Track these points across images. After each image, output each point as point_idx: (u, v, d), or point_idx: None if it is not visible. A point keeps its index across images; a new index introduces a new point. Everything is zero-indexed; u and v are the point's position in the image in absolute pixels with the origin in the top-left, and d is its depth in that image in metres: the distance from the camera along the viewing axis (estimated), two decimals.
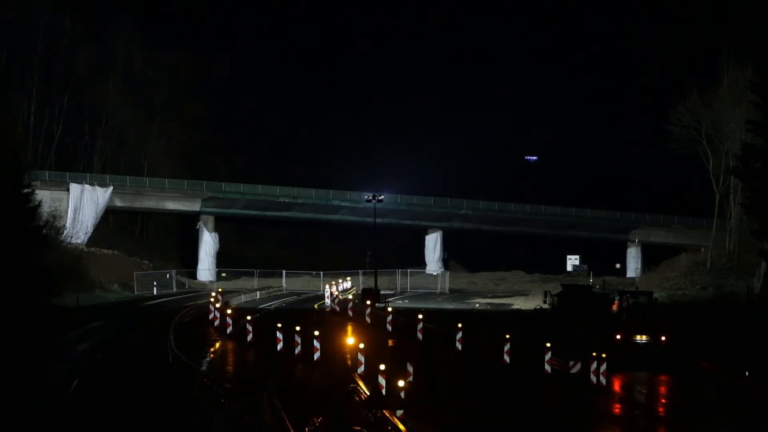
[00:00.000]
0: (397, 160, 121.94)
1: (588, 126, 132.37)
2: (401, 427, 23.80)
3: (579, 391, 32.27)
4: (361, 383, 30.02)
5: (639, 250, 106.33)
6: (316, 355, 36.67)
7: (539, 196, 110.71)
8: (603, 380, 33.00)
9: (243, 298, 72.77)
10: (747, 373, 34.21)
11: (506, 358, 37.48)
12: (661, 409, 31.66)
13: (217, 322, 49.02)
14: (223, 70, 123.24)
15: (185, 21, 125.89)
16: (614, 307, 45.53)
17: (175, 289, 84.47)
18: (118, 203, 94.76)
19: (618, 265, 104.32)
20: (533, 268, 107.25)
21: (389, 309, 52.13)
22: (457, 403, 29.78)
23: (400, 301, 75.77)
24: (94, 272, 76.89)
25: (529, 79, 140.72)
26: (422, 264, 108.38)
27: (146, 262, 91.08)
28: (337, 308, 61.24)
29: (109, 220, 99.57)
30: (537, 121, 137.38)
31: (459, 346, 41.27)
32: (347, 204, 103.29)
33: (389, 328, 48.21)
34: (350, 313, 57.21)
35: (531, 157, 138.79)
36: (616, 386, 34.10)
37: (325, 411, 25.93)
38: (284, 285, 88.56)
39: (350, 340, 39.83)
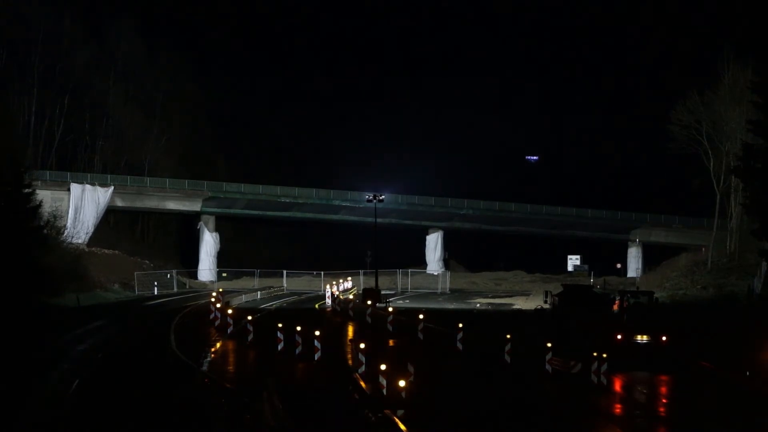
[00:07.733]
0: (398, 159, 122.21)
1: (588, 126, 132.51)
2: (402, 427, 23.79)
3: (579, 391, 32.26)
4: (362, 383, 30.01)
5: (640, 250, 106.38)
6: (317, 355, 36.64)
7: (540, 196, 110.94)
8: (603, 380, 32.97)
9: (244, 298, 72.80)
10: (747, 373, 34.18)
11: (507, 357, 37.47)
12: (661, 409, 31.61)
13: (217, 322, 48.97)
14: (223, 70, 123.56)
15: (185, 21, 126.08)
16: (615, 307, 45.45)
17: (175, 289, 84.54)
18: (119, 203, 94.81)
19: (619, 265, 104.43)
20: (534, 268, 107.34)
21: (390, 309, 52.10)
22: (458, 403, 29.76)
23: (400, 301, 75.79)
24: (95, 272, 76.93)
25: (529, 79, 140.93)
26: (423, 264, 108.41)
27: (147, 262, 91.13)
28: (338, 308, 61.25)
29: (110, 220, 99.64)
30: (537, 121, 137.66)
31: (460, 345, 41.27)
32: (348, 204, 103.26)
33: (390, 328, 48.19)
34: (351, 313, 57.21)
35: (531, 157, 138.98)
36: (617, 386, 34.04)
37: (326, 411, 25.89)
38: (285, 285, 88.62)
39: (351, 340, 39.77)
